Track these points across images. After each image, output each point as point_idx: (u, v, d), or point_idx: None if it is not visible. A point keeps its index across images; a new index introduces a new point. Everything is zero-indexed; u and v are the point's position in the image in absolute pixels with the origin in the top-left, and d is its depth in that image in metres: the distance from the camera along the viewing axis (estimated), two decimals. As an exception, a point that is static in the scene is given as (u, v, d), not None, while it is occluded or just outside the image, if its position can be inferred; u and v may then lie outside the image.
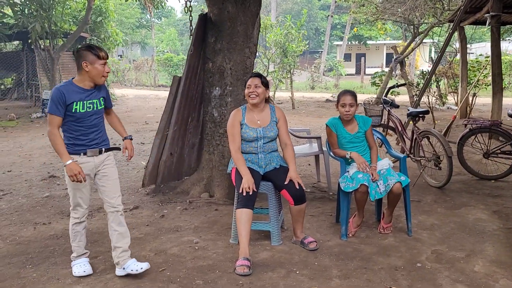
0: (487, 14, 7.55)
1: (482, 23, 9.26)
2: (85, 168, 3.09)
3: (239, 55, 4.91)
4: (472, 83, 10.64)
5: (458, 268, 3.22)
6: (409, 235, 3.83)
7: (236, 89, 4.91)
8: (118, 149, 3.43)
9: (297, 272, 3.19)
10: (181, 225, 4.20)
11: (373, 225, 4.09)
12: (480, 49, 21.97)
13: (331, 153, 4.04)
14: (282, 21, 15.29)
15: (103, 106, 3.21)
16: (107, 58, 3.10)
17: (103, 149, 3.21)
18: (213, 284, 3.03)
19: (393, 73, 14.41)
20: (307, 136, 5.69)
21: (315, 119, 12.11)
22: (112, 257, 3.23)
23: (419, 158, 5.52)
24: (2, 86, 16.88)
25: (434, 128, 6.39)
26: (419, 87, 10.72)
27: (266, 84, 3.69)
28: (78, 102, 3.02)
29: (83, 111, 3.05)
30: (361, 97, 9.06)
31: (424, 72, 12.53)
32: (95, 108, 3.12)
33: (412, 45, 14.67)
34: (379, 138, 4.43)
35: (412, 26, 14.25)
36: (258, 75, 3.70)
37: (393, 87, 6.52)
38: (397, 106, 5.97)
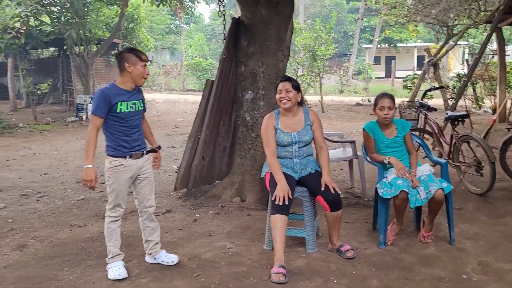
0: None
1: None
2: (130, 171, 3.23)
3: (271, 59, 4.86)
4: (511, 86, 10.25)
5: (507, 281, 3.05)
6: (451, 244, 3.67)
7: (269, 92, 4.85)
8: (156, 151, 3.52)
9: (335, 282, 3.09)
10: (213, 230, 4.16)
11: (412, 233, 3.94)
12: (518, 51, 21.20)
13: (368, 158, 3.92)
14: (312, 25, 15.17)
15: (142, 108, 3.33)
16: (147, 61, 3.22)
17: (144, 151, 3.31)
18: (249, 291, 2.97)
19: (426, 76, 14.04)
20: (341, 140, 5.57)
21: (345, 123, 11.94)
22: (144, 248, 3.45)
23: (459, 164, 5.31)
24: (39, 91, 17.39)
25: (472, 132, 6.15)
26: (455, 90, 10.40)
27: (297, 87, 3.61)
28: (122, 103, 3.14)
29: (127, 111, 3.16)
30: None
31: (460, 75, 12.17)
32: (137, 109, 3.25)
33: (446, 47, 14.28)
34: (417, 142, 4.28)
35: (445, 28, 13.87)
36: (289, 79, 3.63)
37: (429, 90, 6.33)
38: (435, 110, 5.78)
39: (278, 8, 4.77)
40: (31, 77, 15.58)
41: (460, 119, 5.40)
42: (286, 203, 3.28)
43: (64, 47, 15.24)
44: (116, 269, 3.21)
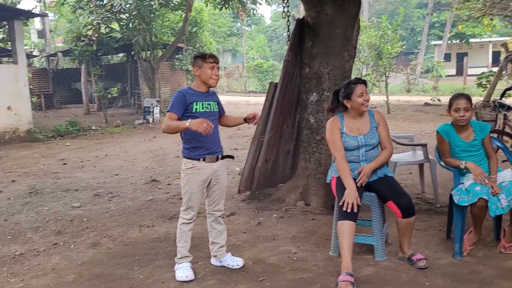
0: None
1: None
2: (203, 174, 3.26)
3: (337, 59, 4.73)
4: None
5: None
6: (537, 256, 3.37)
7: (335, 94, 4.72)
8: (232, 157, 3.55)
9: (406, 292, 2.94)
10: (278, 234, 4.12)
11: (491, 244, 3.65)
12: None
13: (442, 163, 3.69)
14: (378, 22, 14.73)
15: (217, 109, 3.38)
16: (216, 62, 3.25)
17: (219, 156, 3.33)
18: (315, 299, 2.90)
19: (503, 72, 13.11)
20: (412, 143, 5.31)
21: (413, 124, 11.45)
22: (210, 249, 3.48)
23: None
24: (110, 95, 18.33)
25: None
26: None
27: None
28: (198, 103, 3.23)
29: (202, 110, 3.23)
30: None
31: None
32: (212, 110, 3.31)
33: (525, 41, 13.28)
34: (496, 145, 3.98)
35: (525, 21, 12.91)
36: (364, 81, 3.50)
37: (509, 88, 5.88)
38: (516, 110, 5.37)
39: (344, 6, 4.64)
40: (102, 82, 16.43)
41: (545, 119, 4.97)
42: (355, 210, 3.16)
43: (132, 53, 15.93)
44: (183, 271, 3.26)
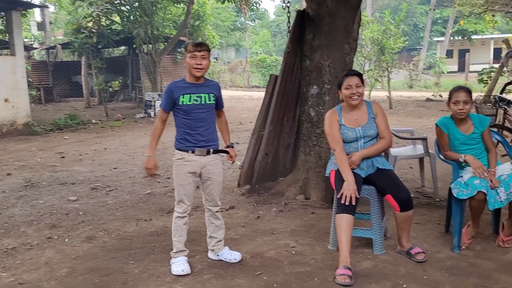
0: None
1: None
2: (191, 166, 3.21)
3: (338, 52, 4.69)
4: None
5: None
6: (536, 251, 3.34)
7: (335, 87, 4.63)
8: (226, 152, 3.46)
9: (404, 286, 2.91)
10: (276, 228, 4.10)
11: (490, 237, 3.63)
12: None
13: (441, 156, 3.66)
14: (380, 17, 14.65)
15: (212, 102, 3.25)
16: (198, 51, 3.08)
17: (211, 150, 3.25)
18: (312, 292, 2.88)
19: (505, 69, 13.05)
20: (412, 137, 5.28)
21: (415, 119, 11.41)
22: (207, 243, 3.45)
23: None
24: (110, 89, 18.28)
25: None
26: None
27: (363, 82, 3.48)
28: (185, 95, 3.16)
29: (189, 103, 3.16)
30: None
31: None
32: (202, 102, 3.19)
33: (528, 37, 13.20)
34: (496, 139, 3.94)
35: (528, 17, 12.82)
36: (357, 73, 3.46)
37: (510, 83, 5.84)
38: (516, 104, 5.33)
39: (345, -2, 4.59)
40: (103, 75, 16.35)
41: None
42: (353, 203, 3.14)
43: (133, 46, 15.89)
44: (179, 265, 3.23)
